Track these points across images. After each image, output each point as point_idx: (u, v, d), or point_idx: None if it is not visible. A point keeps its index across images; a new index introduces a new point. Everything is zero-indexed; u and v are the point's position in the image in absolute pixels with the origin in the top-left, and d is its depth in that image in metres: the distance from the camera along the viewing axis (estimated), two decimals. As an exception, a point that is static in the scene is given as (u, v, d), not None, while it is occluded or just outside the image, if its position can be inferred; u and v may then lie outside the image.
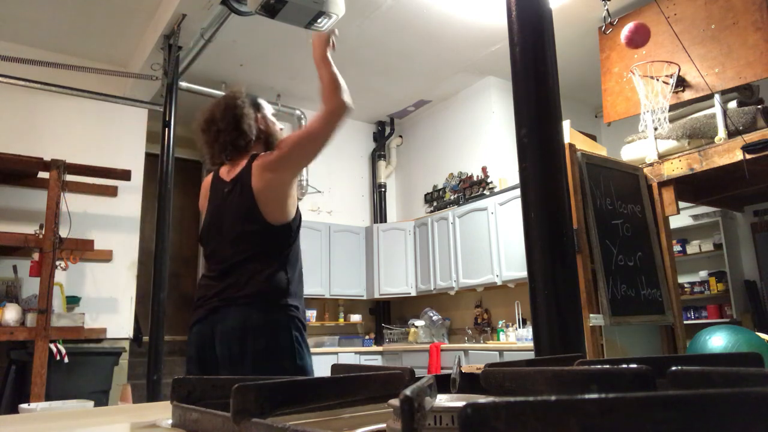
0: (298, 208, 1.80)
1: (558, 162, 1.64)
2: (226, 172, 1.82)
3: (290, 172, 1.74)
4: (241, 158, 1.80)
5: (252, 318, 1.63)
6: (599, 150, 3.92)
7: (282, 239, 1.72)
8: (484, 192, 5.72)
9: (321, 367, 5.91)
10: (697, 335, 3.13)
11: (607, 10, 3.68)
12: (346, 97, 1.72)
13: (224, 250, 1.73)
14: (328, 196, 6.62)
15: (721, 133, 3.53)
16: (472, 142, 6.06)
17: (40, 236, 3.98)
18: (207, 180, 1.91)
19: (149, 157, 5.22)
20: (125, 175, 4.70)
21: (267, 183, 1.71)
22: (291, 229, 1.74)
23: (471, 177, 5.98)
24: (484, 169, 5.83)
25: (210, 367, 1.66)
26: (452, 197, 6.13)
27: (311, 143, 1.74)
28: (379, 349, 6.03)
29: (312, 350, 6.23)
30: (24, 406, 3.30)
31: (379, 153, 7.02)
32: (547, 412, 0.29)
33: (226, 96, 1.89)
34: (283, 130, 1.95)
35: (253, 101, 1.89)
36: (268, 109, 1.93)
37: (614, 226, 3.45)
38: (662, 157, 3.81)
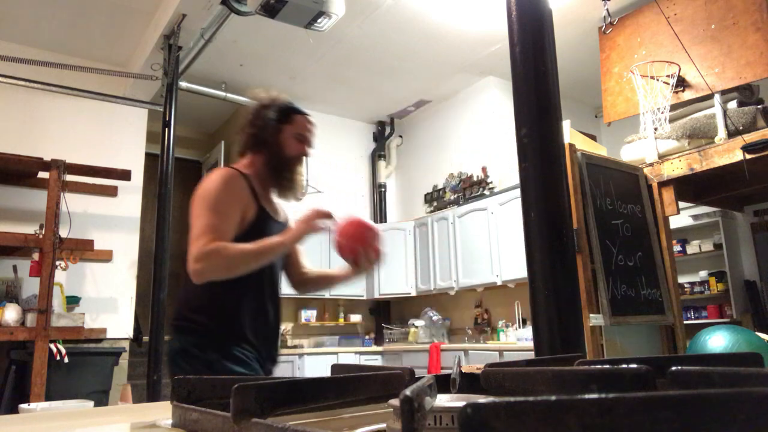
0: (255, 223, 1.59)
1: (558, 162, 1.64)
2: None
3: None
4: (239, 159, 1.73)
5: (171, 343, 1.56)
6: (599, 150, 3.92)
7: None
8: (484, 192, 5.72)
9: (321, 367, 5.85)
10: (697, 335, 3.12)
11: (607, 9, 3.68)
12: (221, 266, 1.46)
13: None
14: (328, 196, 6.62)
15: (721, 133, 3.53)
16: (472, 142, 6.06)
17: (40, 236, 3.98)
18: None
19: (149, 157, 5.22)
20: (125, 175, 4.70)
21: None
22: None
23: (471, 177, 5.97)
24: (484, 169, 5.83)
25: None
26: (452, 197, 6.13)
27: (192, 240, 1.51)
28: (379, 349, 6.03)
29: (312, 350, 6.16)
30: (24, 406, 3.30)
31: (379, 153, 7.02)
32: (547, 412, 0.29)
33: (267, 98, 1.78)
34: (306, 155, 1.74)
35: (285, 112, 1.72)
36: (297, 127, 1.72)
37: (614, 226, 3.45)
38: (662, 157, 3.81)
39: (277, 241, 1.52)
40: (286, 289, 1.77)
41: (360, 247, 1.56)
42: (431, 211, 6.34)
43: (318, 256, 5.98)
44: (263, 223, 1.62)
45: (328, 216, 1.59)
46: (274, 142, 1.68)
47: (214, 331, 1.53)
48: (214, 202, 1.53)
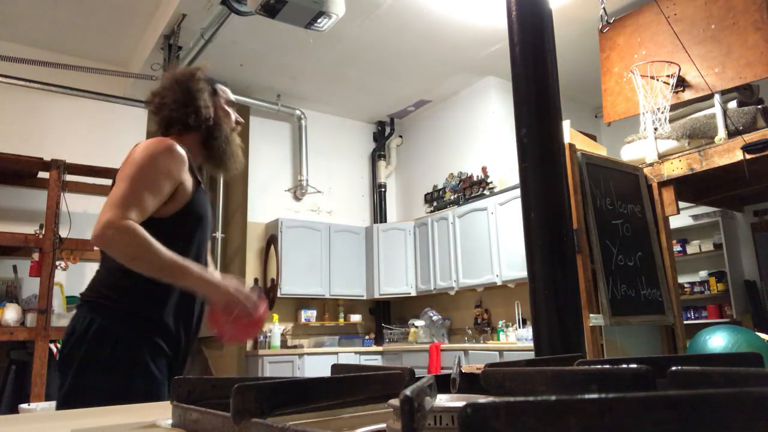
0: (189, 209, 1.50)
1: (558, 162, 1.64)
2: None
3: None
4: (172, 136, 1.57)
5: (74, 320, 1.42)
6: (599, 150, 3.92)
7: (151, 233, 1.36)
8: (484, 192, 5.72)
9: (321, 367, 5.85)
10: (697, 335, 3.12)
11: (604, 8, 3.68)
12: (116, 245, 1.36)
13: None
14: (328, 196, 6.62)
15: (721, 133, 3.53)
16: (472, 142, 6.06)
17: (40, 236, 3.99)
18: None
19: (149, 157, 5.22)
20: (125, 175, 4.70)
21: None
22: (161, 226, 1.42)
23: (471, 177, 5.98)
24: (484, 169, 5.83)
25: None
26: (452, 197, 6.13)
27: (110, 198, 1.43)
28: (379, 349, 6.03)
29: (312, 350, 6.16)
30: (24, 406, 3.30)
31: (379, 153, 7.02)
32: (547, 412, 0.29)
33: (186, 69, 1.65)
34: (240, 124, 1.72)
35: (212, 84, 1.66)
36: (224, 97, 1.69)
37: (614, 226, 3.45)
38: (662, 157, 3.81)
39: (194, 275, 1.38)
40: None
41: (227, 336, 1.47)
42: (431, 211, 6.34)
43: (318, 267, 5.99)
44: (201, 197, 1.56)
45: (249, 311, 1.42)
46: (213, 116, 1.62)
47: (139, 315, 1.42)
48: (148, 172, 1.41)
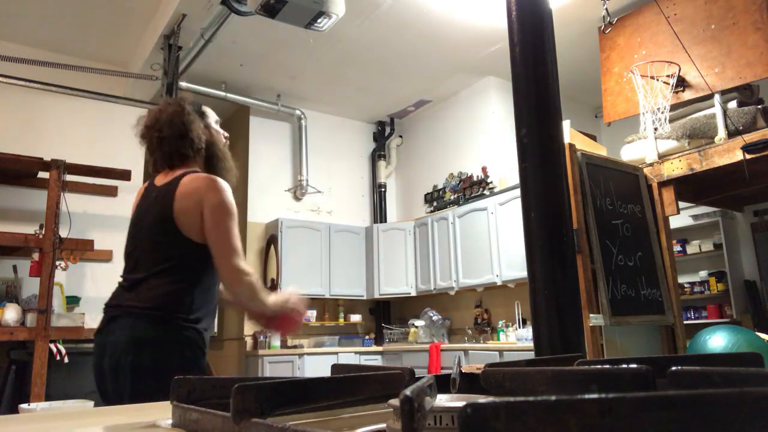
0: None
1: (558, 162, 1.64)
2: (161, 179, 1.73)
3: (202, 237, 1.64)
4: (180, 167, 1.72)
5: (141, 331, 1.55)
6: (599, 150, 3.92)
7: (196, 256, 1.62)
8: (484, 192, 5.72)
9: (321, 367, 5.84)
10: (697, 335, 3.12)
11: (606, 9, 3.68)
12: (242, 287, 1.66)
13: (138, 259, 1.66)
14: (328, 196, 6.62)
15: (721, 133, 3.53)
16: (472, 142, 6.06)
17: (40, 236, 3.98)
18: (142, 186, 1.84)
19: (149, 157, 5.21)
20: (125, 175, 4.70)
21: (187, 206, 1.63)
22: (206, 250, 1.64)
23: (471, 177, 5.98)
24: (484, 169, 5.83)
25: (104, 379, 1.57)
26: (452, 197, 6.13)
27: (216, 250, 1.64)
28: (379, 349, 6.03)
29: (312, 350, 6.17)
30: (24, 406, 3.29)
31: (379, 153, 7.02)
32: (547, 412, 0.29)
33: (172, 103, 1.78)
34: (228, 139, 1.88)
35: (198, 108, 1.79)
36: (212, 118, 1.85)
37: (614, 226, 3.45)
38: (662, 157, 3.81)
39: (271, 298, 1.70)
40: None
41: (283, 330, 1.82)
42: (431, 211, 6.34)
43: (318, 267, 5.99)
44: None
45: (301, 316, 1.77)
46: (209, 140, 1.78)
47: (198, 327, 1.63)
48: (234, 221, 1.68)
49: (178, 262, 1.62)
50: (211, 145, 1.78)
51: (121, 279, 1.70)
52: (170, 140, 1.71)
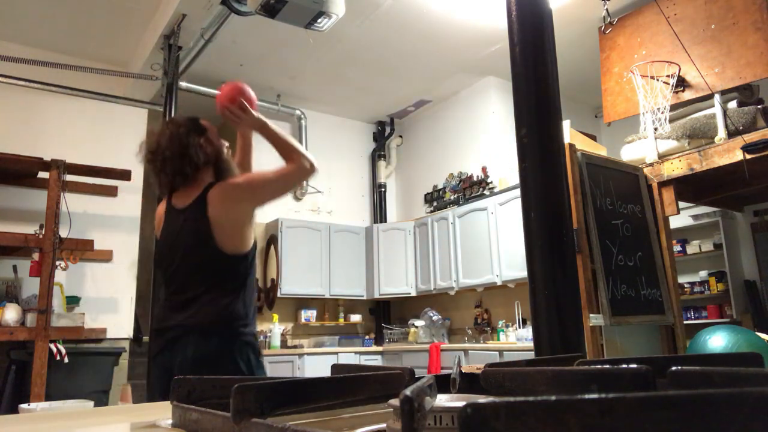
0: (255, 239, 1.82)
1: (558, 162, 1.64)
2: (180, 200, 1.80)
3: (252, 205, 1.77)
4: (192, 185, 1.79)
5: (210, 347, 1.64)
6: (599, 150, 3.92)
7: (239, 269, 1.73)
8: (484, 192, 5.72)
9: (321, 367, 5.83)
10: (697, 335, 3.13)
11: (607, 9, 3.68)
12: (310, 156, 1.78)
13: (183, 279, 1.73)
14: (328, 196, 6.62)
15: (721, 133, 3.53)
16: (472, 142, 6.06)
17: (40, 236, 3.98)
18: (161, 208, 1.89)
19: (149, 157, 5.21)
20: (125, 175, 4.70)
21: (227, 211, 1.71)
22: (247, 259, 1.75)
23: (471, 177, 5.98)
24: (484, 169, 5.83)
25: None
26: (452, 197, 6.13)
27: (278, 188, 1.81)
28: (379, 349, 6.03)
29: (312, 350, 6.17)
30: (24, 406, 3.30)
31: (379, 153, 7.02)
32: (547, 412, 0.29)
33: (169, 124, 1.86)
34: (229, 146, 1.95)
35: (196, 125, 1.85)
36: (211, 130, 1.91)
37: (614, 226, 3.45)
38: (662, 157, 3.81)
39: (277, 129, 1.82)
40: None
41: (227, 104, 1.81)
42: (431, 211, 6.34)
43: (318, 267, 5.99)
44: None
45: (239, 103, 1.83)
46: (213, 152, 1.85)
47: (252, 338, 1.73)
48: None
49: (225, 277, 1.71)
50: (216, 157, 1.86)
51: (168, 302, 1.75)
52: (171, 161, 1.76)
